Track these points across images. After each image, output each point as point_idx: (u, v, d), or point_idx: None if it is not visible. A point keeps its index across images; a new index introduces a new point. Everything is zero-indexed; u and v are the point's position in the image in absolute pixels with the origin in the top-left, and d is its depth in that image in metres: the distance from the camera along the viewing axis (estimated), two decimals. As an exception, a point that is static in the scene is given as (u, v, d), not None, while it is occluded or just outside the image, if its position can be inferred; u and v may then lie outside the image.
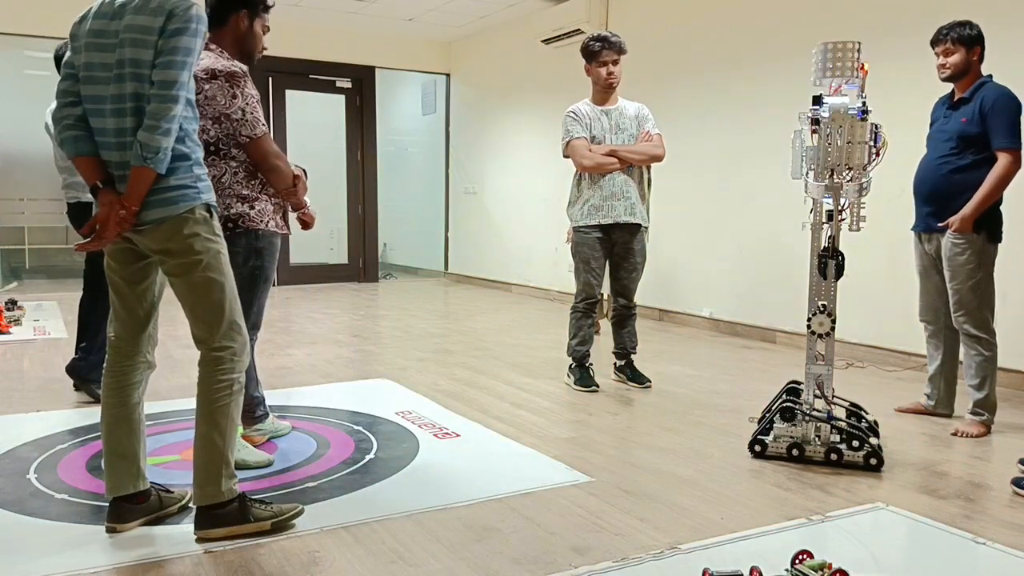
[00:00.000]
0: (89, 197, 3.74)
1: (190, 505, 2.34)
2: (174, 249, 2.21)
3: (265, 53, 2.99)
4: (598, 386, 4.17)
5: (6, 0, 7.14)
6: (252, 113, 2.73)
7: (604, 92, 4.18)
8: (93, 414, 3.57)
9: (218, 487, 2.23)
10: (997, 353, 3.45)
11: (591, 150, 4.08)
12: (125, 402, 2.34)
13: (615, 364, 4.38)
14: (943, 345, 3.65)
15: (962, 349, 3.54)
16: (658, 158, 4.18)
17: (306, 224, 3.12)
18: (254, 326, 2.91)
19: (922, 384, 3.80)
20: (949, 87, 3.54)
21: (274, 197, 2.90)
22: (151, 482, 2.41)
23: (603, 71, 4.12)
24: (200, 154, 2.29)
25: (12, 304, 6.14)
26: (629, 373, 4.30)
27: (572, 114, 4.17)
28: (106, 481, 2.33)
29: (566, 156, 4.21)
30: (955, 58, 3.39)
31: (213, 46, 2.77)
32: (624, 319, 4.30)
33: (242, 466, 2.69)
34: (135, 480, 2.33)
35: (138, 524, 2.33)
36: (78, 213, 3.82)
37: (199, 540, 2.24)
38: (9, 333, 5.60)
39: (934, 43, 3.47)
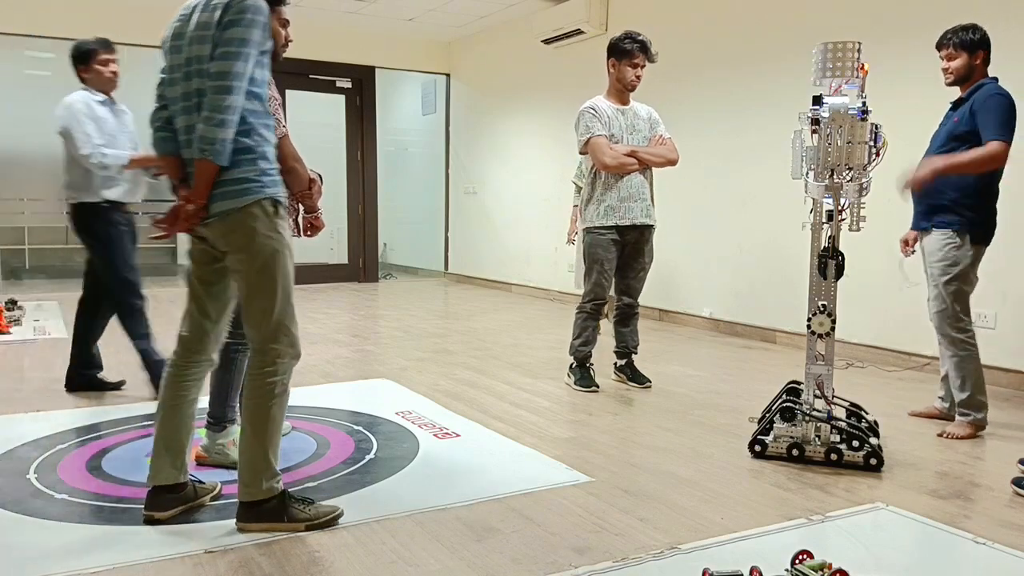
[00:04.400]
0: (89, 197, 3.76)
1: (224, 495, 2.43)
2: (234, 244, 2.24)
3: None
4: (598, 386, 4.17)
5: (6, 0, 7.14)
6: (275, 115, 2.74)
7: (623, 92, 4.16)
8: (93, 414, 3.58)
9: (258, 486, 2.31)
10: (976, 353, 3.36)
11: (612, 148, 4.07)
12: (183, 397, 2.40)
13: (615, 364, 4.37)
14: None
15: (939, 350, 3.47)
16: (673, 162, 4.17)
17: (315, 229, 3.11)
18: None
19: (923, 384, 3.80)
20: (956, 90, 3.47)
21: (289, 199, 2.90)
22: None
23: (631, 72, 4.09)
24: (270, 149, 2.31)
25: (12, 304, 6.14)
26: (629, 373, 4.30)
27: (592, 110, 4.11)
28: (150, 468, 2.40)
29: (583, 153, 4.17)
30: (957, 63, 3.36)
31: None
32: (628, 317, 4.29)
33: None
34: (178, 472, 2.41)
35: (174, 513, 2.40)
36: (79, 214, 3.81)
37: (239, 530, 2.32)
38: (9, 333, 5.60)
39: (938, 47, 3.44)
